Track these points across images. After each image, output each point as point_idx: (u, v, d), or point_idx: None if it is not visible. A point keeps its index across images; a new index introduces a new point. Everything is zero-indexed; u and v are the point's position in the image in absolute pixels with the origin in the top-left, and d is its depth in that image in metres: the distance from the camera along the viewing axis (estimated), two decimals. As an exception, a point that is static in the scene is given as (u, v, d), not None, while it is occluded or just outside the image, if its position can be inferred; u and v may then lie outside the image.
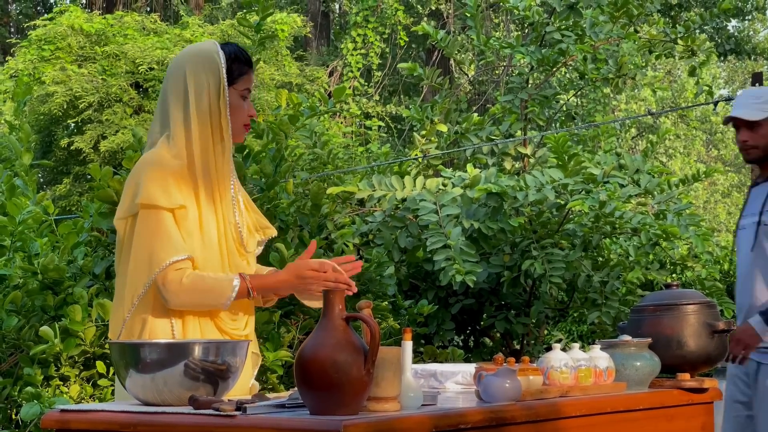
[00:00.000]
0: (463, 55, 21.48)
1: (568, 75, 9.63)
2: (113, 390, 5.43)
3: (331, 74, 21.66)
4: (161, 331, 3.49)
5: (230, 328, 3.58)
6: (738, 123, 4.99)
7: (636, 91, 26.82)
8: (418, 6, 22.11)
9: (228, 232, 3.61)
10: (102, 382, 5.50)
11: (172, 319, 3.51)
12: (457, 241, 6.56)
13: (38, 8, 27.50)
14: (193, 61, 3.60)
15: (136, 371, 3.03)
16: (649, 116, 19.77)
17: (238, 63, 3.63)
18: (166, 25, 18.25)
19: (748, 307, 4.93)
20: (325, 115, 9.93)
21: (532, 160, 7.95)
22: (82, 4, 23.14)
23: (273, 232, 3.81)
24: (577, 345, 3.63)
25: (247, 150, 6.16)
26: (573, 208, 6.93)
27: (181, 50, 3.74)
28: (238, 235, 3.64)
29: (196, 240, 3.53)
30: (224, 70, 3.58)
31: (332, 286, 3.51)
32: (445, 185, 7.32)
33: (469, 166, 7.42)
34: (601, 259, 7.56)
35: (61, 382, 5.57)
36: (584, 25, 7.73)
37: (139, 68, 15.93)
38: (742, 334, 4.81)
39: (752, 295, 4.93)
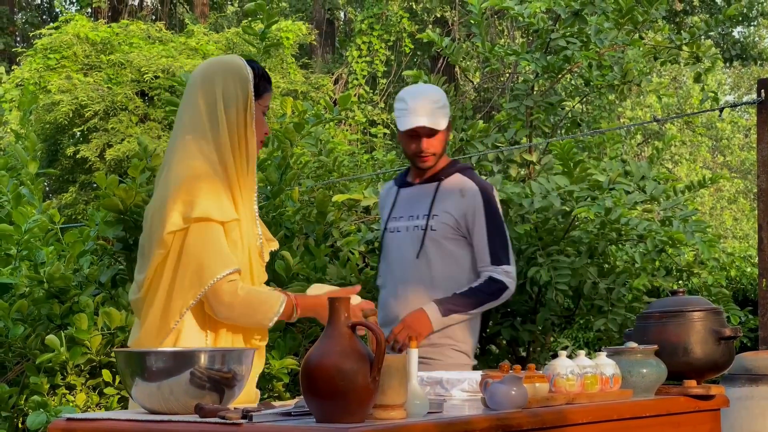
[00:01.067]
0: (468, 63, 21.49)
1: (573, 82, 9.62)
2: (119, 398, 5.43)
3: (336, 82, 21.68)
4: (196, 342, 3.51)
5: (258, 344, 3.63)
6: (420, 131, 4.77)
7: (641, 97, 26.82)
8: (423, 13, 22.13)
9: (254, 243, 3.65)
10: (108, 390, 5.50)
11: (207, 331, 3.54)
12: (463, 249, 6.55)
13: (44, 17, 27.55)
14: (223, 72, 3.65)
15: (142, 379, 3.03)
16: (655, 123, 19.78)
17: (264, 80, 3.70)
18: (172, 33, 18.29)
19: (395, 317, 4.75)
20: (331, 123, 9.93)
21: (537, 167, 7.95)
22: (87, 13, 23.19)
23: (276, 245, 3.83)
24: (583, 352, 3.62)
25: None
26: (579, 215, 6.93)
27: (206, 61, 3.77)
28: (259, 246, 3.68)
29: (240, 251, 3.58)
30: (252, 85, 3.64)
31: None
32: (450, 192, 7.31)
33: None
34: (607, 265, 7.55)
35: (68, 391, 5.57)
36: (589, 32, 7.73)
37: (145, 77, 15.97)
38: (414, 321, 4.64)
39: (410, 305, 4.73)
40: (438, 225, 4.76)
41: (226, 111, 3.60)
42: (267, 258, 3.77)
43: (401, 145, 4.82)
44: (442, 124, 4.79)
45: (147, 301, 3.57)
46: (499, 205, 4.98)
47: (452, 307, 4.71)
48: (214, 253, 3.48)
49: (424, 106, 4.72)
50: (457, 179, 4.87)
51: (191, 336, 3.51)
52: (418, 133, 4.75)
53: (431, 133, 4.76)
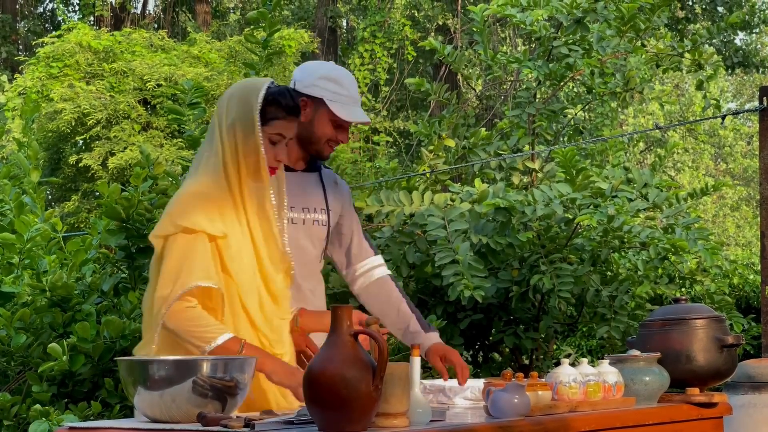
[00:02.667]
0: (470, 70, 21.49)
1: (575, 89, 9.63)
2: (120, 407, 5.43)
3: (338, 90, 21.64)
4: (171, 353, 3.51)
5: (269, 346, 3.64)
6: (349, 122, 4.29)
7: (644, 105, 26.83)
8: (425, 21, 22.14)
9: (267, 259, 3.66)
10: (110, 399, 5.49)
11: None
12: (466, 256, 6.55)
13: (46, 26, 27.58)
14: (237, 95, 3.69)
15: (145, 388, 3.03)
16: (657, 130, 19.76)
17: (276, 107, 3.68)
18: (174, 41, 18.31)
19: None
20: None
21: (540, 175, 7.94)
22: (90, 22, 23.21)
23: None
24: (585, 360, 3.62)
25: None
26: (581, 223, 6.92)
27: (238, 82, 3.83)
28: (285, 260, 3.74)
29: (237, 265, 3.59)
30: (258, 111, 3.64)
31: None
32: (453, 200, 7.31)
33: (477, 181, 7.41)
34: (609, 273, 7.54)
35: (70, 400, 5.57)
36: (591, 40, 7.73)
37: (147, 85, 15.98)
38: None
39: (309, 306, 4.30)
40: (333, 221, 4.34)
41: (226, 133, 3.64)
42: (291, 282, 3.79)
43: (311, 126, 4.20)
44: None
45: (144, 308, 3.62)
46: None
47: None
48: (193, 263, 3.49)
49: (359, 97, 4.32)
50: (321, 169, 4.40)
51: (168, 348, 3.50)
52: (346, 125, 4.24)
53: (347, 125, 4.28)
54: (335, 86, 4.20)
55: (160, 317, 3.48)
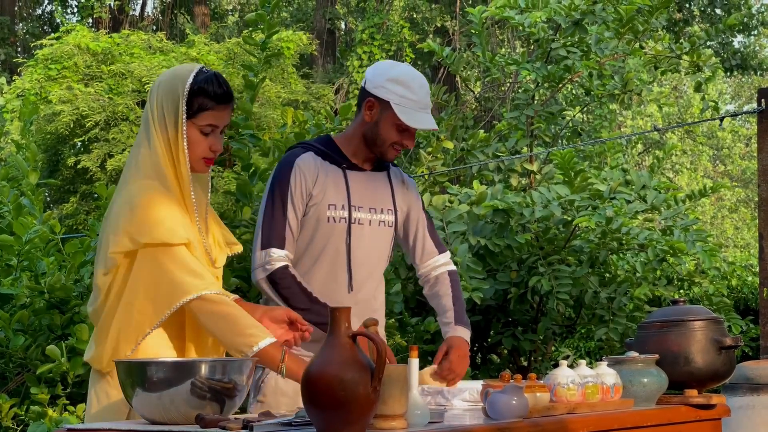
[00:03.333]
0: (468, 72, 21.49)
1: (573, 91, 9.61)
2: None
3: (337, 92, 21.70)
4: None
5: None
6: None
7: (642, 106, 26.83)
8: (424, 23, 22.16)
9: (204, 254, 3.58)
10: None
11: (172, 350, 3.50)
12: (464, 258, 6.56)
13: (45, 28, 27.58)
14: (162, 88, 3.53)
15: (143, 390, 3.03)
16: (656, 132, 19.79)
17: (203, 97, 3.51)
18: (173, 43, 18.30)
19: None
20: (332, 133, 9.92)
21: (538, 177, 7.95)
22: (88, 24, 23.22)
23: (239, 248, 3.77)
24: (584, 361, 3.62)
25: (253, 168, 6.16)
26: (580, 225, 6.93)
27: (164, 72, 3.65)
28: (209, 257, 3.60)
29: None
30: (183, 103, 3.49)
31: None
32: (451, 202, 7.32)
33: (476, 183, 7.42)
34: (608, 275, 7.55)
35: (68, 401, 5.57)
36: (590, 42, 7.74)
37: (146, 87, 15.97)
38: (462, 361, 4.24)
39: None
40: (400, 221, 4.32)
41: (160, 129, 3.50)
42: (222, 262, 3.68)
43: (377, 128, 4.13)
44: None
45: (105, 317, 3.49)
46: None
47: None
48: (193, 272, 3.42)
49: (429, 102, 4.15)
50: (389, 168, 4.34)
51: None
52: (414, 130, 4.16)
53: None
54: (403, 90, 4.08)
55: (147, 328, 3.41)
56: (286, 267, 4.04)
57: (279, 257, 4.04)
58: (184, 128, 3.49)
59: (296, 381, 3.28)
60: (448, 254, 4.41)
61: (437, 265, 4.37)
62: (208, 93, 3.51)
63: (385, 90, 4.07)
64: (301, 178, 4.09)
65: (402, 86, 4.08)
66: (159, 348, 3.47)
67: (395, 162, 4.68)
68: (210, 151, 3.55)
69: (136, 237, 3.41)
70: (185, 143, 3.50)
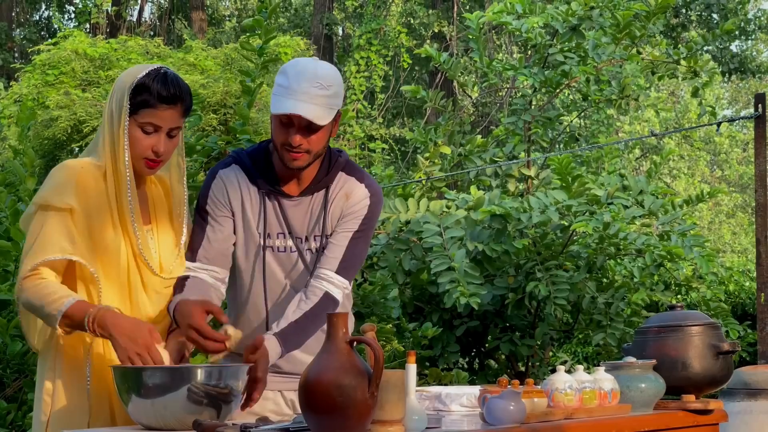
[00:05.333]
0: (466, 77, 21.49)
1: (571, 96, 9.62)
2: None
3: (334, 97, 21.64)
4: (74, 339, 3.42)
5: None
6: (296, 120, 3.62)
7: (639, 112, 26.85)
8: (421, 29, 22.16)
9: (137, 256, 3.52)
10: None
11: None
12: (461, 264, 6.56)
13: (42, 33, 27.59)
14: (116, 83, 3.53)
15: (139, 396, 3.03)
16: (653, 137, 19.77)
17: (146, 95, 3.46)
18: (170, 49, 18.31)
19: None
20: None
21: (535, 182, 7.95)
22: (86, 29, 23.22)
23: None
24: (581, 367, 3.62)
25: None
26: (577, 230, 6.93)
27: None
28: (144, 262, 3.52)
29: (99, 247, 3.44)
30: (127, 98, 3.46)
31: (135, 360, 3.28)
32: (448, 207, 7.32)
33: (473, 188, 7.42)
34: (605, 280, 7.55)
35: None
36: (587, 47, 7.74)
37: (143, 92, 15.96)
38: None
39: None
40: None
41: (107, 120, 3.50)
42: (176, 273, 3.62)
43: (271, 130, 3.72)
44: (324, 118, 3.64)
45: None
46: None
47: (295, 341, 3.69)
48: (42, 239, 3.37)
49: (308, 90, 3.60)
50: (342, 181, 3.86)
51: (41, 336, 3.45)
52: (292, 122, 3.63)
53: (309, 127, 3.63)
54: (281, 77, 3.66)
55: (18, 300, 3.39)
56: (183, 277, 3.69)
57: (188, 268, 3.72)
58: (126, 122, 3.46)
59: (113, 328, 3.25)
60: (344, 281, 3.77)
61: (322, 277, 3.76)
62: (150, 90, 3.46)
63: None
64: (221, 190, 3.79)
65: (280, 75, 3.66)
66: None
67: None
68: (151, 152, 3.50)
69: (35, 200, 3.44)
70: (126, 139, 3.47)
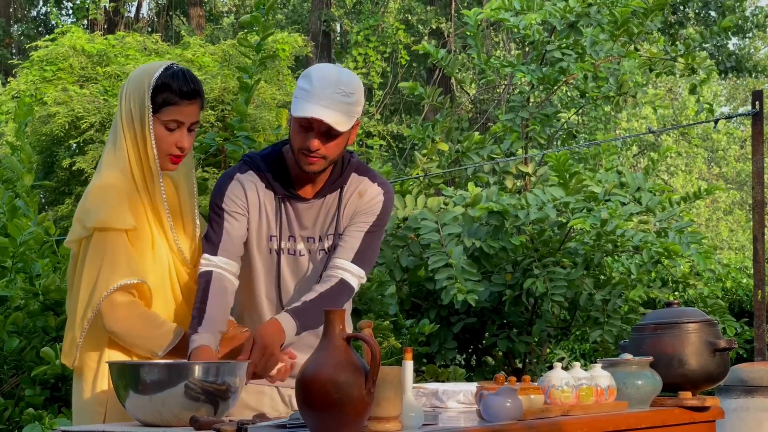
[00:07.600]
0: (463, 74, 21.51)
1: (569, 93, 9.63)
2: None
3: (332, 94, 21.63)
4: (91, 362, 3.47)
5: None
6: (316, 125, 3.63)
7: (637, 109, 26.85)
8: (419, 25, 22.16)
9: (174, 251, 3.59)
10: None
11: (101, 350, 3.47)
12: (459, 260, 6.56)
13: (40, 29, 27.56)
14: (131, 84, 3.55)
15: (136, 392, 3.03)
16: (650, 134, 19.78)
17: (167, 92, 3.51)
18: (168, 45, 18.29)
19: None
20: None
21: (533, 179, 7.96)
22: (83, 25, 23.21)
23: None
24: (578, 364, 3.62)
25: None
26: (574, 227, 6.93)
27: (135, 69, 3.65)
28: (181, 255, 3.60)
29: (148, 259, 3.50)
30: (149, 97, 3.51)
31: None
32: (446, 204, 7.32)
33: (471, 185, 7.42)
34: (602, 277, 7.56)
35: (63, 404, 5.56)
36: (585, 44, 7.75)
37: (141, 89, 15.95)
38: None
39: None
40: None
41: (128, 125, 3.52)
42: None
43: (290, 133, 3.76)
44: (344, 124, 3.64)
45: (68, 310, 3.53)
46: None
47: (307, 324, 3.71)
48: (112, 263, 3.40)
49: (330, 96, 3.60)
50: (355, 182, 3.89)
51: (115, 356, 3.45)
52: (312, 127, 3.63)
53: (328, 132, 3.64)
54: (303, 82, 3.66)
55: (85, 322, 3.41)
56: (208, 272, 3.68)
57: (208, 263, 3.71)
58: (151, 122, 3.50)
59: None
60: (360, 271, 3.80)
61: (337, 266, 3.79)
62: (171, 88, 3.51)
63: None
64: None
65: (303, 78, 3.67)
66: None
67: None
68: (176, 148, 3.55)
69: (84, 222, 3.44)
70: (153, 138, 3.51)
